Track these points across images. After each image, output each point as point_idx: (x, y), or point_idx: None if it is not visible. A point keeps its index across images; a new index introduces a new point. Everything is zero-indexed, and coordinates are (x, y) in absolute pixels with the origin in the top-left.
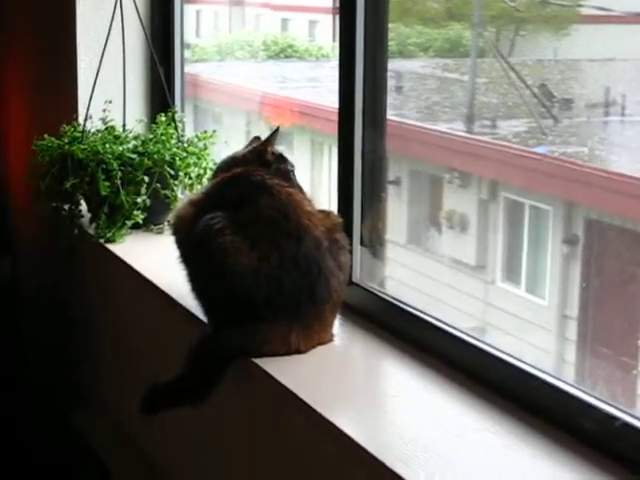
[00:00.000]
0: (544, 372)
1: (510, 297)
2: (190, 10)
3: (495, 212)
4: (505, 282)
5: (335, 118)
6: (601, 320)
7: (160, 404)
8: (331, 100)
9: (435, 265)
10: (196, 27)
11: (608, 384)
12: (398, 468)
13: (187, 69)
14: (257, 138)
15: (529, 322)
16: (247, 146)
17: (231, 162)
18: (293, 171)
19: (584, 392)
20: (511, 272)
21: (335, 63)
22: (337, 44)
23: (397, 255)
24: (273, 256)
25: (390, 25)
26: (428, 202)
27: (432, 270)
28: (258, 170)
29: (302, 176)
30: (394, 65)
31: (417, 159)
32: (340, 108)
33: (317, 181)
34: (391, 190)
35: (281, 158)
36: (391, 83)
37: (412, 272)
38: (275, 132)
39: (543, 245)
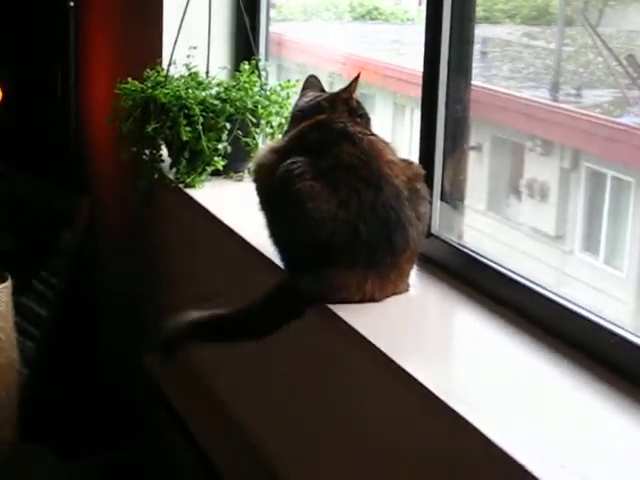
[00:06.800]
0: (623, 329)
1: (588, 268)
2: None
3: (576, 182)
4: (583, 252)
5: (419, 81)
6: None
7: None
8: (416, 63)
9: (514, 233)
10: None
11: None
12: (469, 415)
13: (272, 28)
14: (313, 77)
15: (605, 293)
16: (304, 88)
17: (311, 110)
18: (370, 121)
19: None
20: (590, 243)
21: (421, 27)
22: (424, 7)
23: (476, 222)
24: (352, 203)
25: None
26: (509, 169)
27: (511, 238)
28: (340, 117)
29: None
30: (480, 31)
31: (499, 126)
32: (425, 70)
33: (398, 142)
34: (472, 156)
35: (360, 107)
36: (476, 48)
37: (490, 239)
38: (356, 79)
39: (624, 217)
